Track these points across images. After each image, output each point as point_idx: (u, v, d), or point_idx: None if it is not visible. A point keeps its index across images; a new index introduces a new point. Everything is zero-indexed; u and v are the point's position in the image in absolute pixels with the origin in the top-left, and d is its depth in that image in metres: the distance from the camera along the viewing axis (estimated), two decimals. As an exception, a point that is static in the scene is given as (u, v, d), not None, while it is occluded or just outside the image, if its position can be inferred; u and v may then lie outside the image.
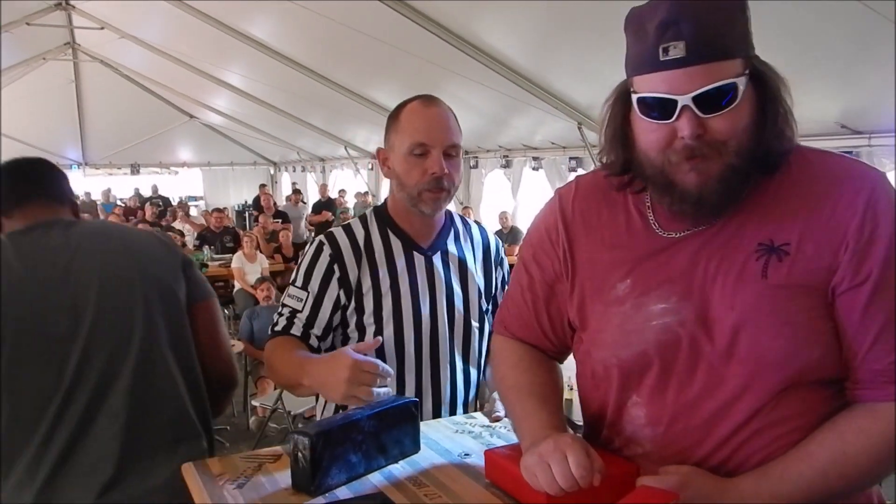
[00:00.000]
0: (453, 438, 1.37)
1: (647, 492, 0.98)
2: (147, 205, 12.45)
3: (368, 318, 1.51)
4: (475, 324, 1.61)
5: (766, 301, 0.97)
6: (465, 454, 1.29)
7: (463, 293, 1.59)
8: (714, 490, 0.97)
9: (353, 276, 1.51)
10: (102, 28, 9.44)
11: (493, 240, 1.71)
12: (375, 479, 1.19)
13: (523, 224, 9.05)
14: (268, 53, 7.44)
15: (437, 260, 1.57)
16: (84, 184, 16.10)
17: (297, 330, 1.50)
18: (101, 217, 13.46)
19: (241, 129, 13.32)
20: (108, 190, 15.41)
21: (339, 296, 1.51)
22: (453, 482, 1.18)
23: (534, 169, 8.49)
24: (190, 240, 9.51)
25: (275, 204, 11.61)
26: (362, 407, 1.25)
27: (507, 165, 8.93)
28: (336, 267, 1.50)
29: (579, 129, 6.41)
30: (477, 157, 9.63)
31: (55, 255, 1.37)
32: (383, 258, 1.53)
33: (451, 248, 1.61)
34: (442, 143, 1.47)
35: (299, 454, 1.13)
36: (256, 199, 12.71)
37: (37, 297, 1.33)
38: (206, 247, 8.54)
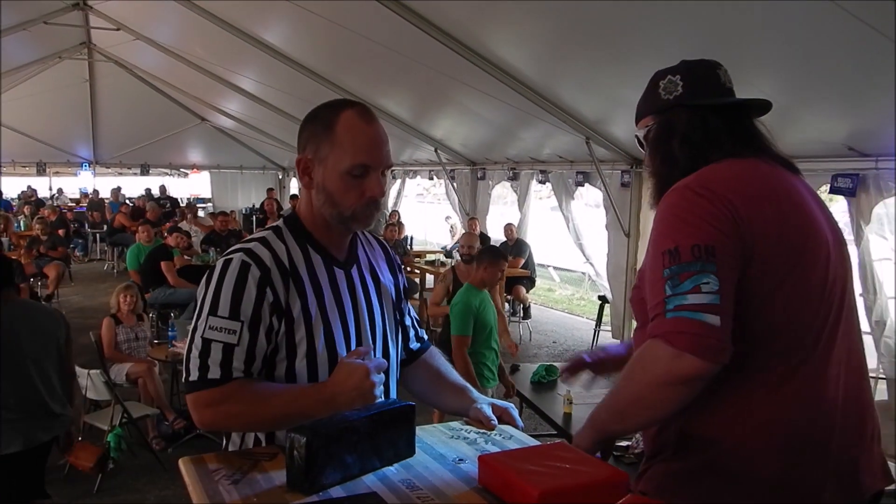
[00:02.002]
0: (448, 443, 1.38)
1: (636, 500, 0.99)
2: (149, 204, 12.50)
3: (301, 343, 1.38)
4: (391, 336, 1.55)
5: None
6: (460, 459, 1.30)
7: (380, 305, 1.53)
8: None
9: (283, 299, 1.35)
10: (118, 29, 9.54)
11: (386, 245, 1.67)
12: (369, 481, 1.21)
13: (529, 236, 9.06)
14: (280, 59, 7.50)
15: (354, 273, 1.49)
16: (94, 182, 16.23)
17: (238, 372, 1.31)
18: (108, 215, 13.57)
19: (251, 133, 13.41)
20: (119, 189, 15.52)
21: (272, 322, 1.35)
22: (447, 486, 1.19)
23: (540, 182, 8.51)
24: (196, 241, 9.56)
25: (279, 209, 11.65)
26: (359, 408, 1.27)
27: (514, 178, 8.95)
28: (268, 290, 1.34)
29: (587, 143, 6.43)
30: (484, 169, 9.66)
31: (11, 319, 2.86)
32: (307, 276, 1.40)
33: (363, 258, 1.54)
34: (383, 164, 1.39)
35: (295, 452, 1.14)
36: (263, 204, 12.78)
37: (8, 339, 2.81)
38: (212, 248, 8.59)
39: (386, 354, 1.53)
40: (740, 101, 1.44)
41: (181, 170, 17.14)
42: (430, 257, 9.43)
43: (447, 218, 11.96)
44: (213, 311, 1.32)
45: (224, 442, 1.49)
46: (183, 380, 1.37)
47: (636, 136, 1.53)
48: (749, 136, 1.42)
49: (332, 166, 1.37)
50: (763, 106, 1.46)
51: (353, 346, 1.44)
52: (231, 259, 1.36)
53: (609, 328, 7.60)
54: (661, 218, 1.33)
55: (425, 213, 17.64)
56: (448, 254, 9.34)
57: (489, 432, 1.44)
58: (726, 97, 1.44)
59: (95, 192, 15.36)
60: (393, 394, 1.55)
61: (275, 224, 1.49)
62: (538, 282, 9.20)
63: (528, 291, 8.42)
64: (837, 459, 1.30)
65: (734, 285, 1.24)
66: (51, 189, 17.52)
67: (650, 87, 1.49)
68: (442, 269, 7.18)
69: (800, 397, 1.28)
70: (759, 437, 1.27)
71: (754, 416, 1.28)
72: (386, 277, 1.58)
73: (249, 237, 1.45)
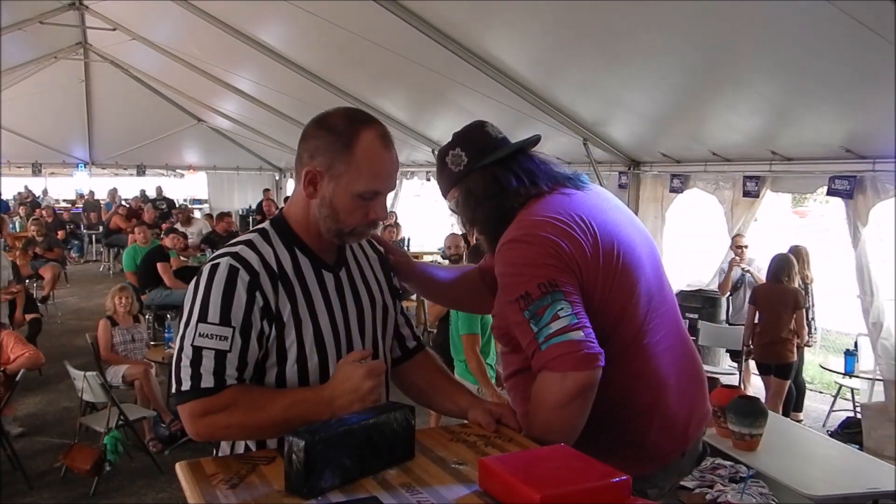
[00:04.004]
0: (448, 447, 1.37)
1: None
2: (145, 207, 12.47)
3: (291, 348, 1.36)
4: (382, 339, 1.54)
5: None
6: (460, 462, 1.29)
7: (371, 307, 1.51)
8: None
9: (273, 303, 1.33)
10: (114, 29, 9.51)
11: (377, 246, 1.64)
12: (369, 484, 1.20)
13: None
14: (277, 60, 7.48)
15: (343, 276, 1.47)
16: (89, 183, 16.20)
17: (232, 379, 1.29)
18: (104, 215, 13.52)
19: (248, 134, 13.38)
20: (115, 190, 15.49)
21: (262, 327, 1.33)
22: (446, 489, 1.18)
23: (538, 183, 8.49)
24: (194, 242, 9.55)
25: (276, 209, 11.64)
26: (358, 411, 1.26)
27: (511, 179, 8.93)
28: (258, 294, 1.31)
29: (584, 145, 6.43)
30: (482, 170, 9.64)
31: None
32: (296, 280, 1.38)
33: (352, 260, 1.52)
34: (391, 189, 1.42)
35: (294, 456, 1.13)
36: (260, 205, 12.77)
37: None
38: (210, 250, 8.58)
39: (377, 357, 1.51)
40: (516, 146, 1.66)
41: (177, 171, 17.09)
42: (426, 258, 9.42)
43: (451, 213, 11.95)
44: (203, 317, 1.29)
45: (214, 450, 1.46)
46: (174, 391, 1.31)
47: (450, 209, 1.73)
48: (536, 173, 1.62)
49: (344, 185, 1.36)
50: (534, 141, 1.70)
51: (344, 350, 1.43)
52: (218, 264, 1.33)
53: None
54: (503, 272, 1.53)
55: (422, 214, 17.59)
56: (445, 255, 9.33)
57: (489, 435, 1.44)
58: (502, 147, 1.64)
59: (91, 192, 15.32)
60: (384, 397, 1.53)
61: (260, 227, 1.46)
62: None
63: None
64: (674, 415, 1.58)
65: (582, 302, 1.47)
66: (46, 190, 17.47)
67: (440, 166, 1.68)
68: (439, 271, 7.15)
69: (641, 372, 1.55)
70: (621, 404, 1.54)
71: (620, 390, 1.52)
72: (378, 278, 1.57)
73: (234, 240, 1.42)
